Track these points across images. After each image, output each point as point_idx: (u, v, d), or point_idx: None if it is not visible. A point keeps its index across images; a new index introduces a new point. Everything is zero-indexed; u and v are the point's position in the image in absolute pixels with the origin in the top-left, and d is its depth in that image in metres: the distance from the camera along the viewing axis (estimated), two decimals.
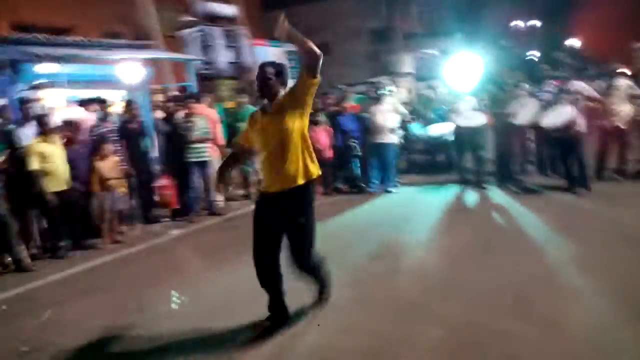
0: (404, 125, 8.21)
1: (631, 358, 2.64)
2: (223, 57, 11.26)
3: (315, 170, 3.10)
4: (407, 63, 16.26)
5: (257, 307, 3.35)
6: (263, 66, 3.09)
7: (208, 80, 10.67)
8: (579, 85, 6.81)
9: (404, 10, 22.17)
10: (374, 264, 4.51)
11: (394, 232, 5.50)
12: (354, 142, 7.68)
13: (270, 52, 13.79)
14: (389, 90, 7.85)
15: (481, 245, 4.80)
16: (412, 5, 21.24)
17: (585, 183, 6.42)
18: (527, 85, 7.73)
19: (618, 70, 7.03)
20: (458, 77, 7.63)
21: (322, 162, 7.02)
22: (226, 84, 11.05)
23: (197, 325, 3.45)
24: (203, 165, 6.70)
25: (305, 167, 3.05)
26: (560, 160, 6.96)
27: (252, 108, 7.90)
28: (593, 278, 3.78)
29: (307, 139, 3.09)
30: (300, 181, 3.02)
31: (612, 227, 4.99)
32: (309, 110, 3.09)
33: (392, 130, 7.41)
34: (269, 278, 3.19)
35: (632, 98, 6.78)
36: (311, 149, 3.11)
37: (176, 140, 6.65)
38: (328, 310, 3.50)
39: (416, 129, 8.67)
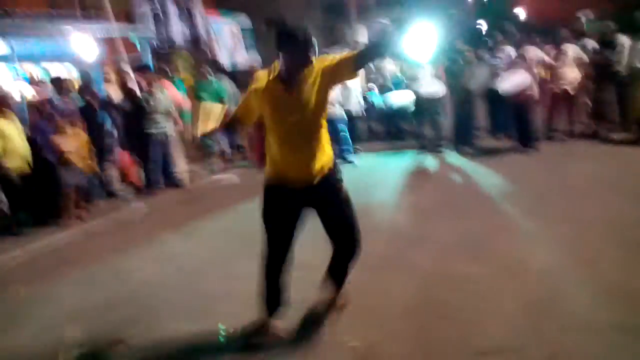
0: (363, 95, 8.35)
1: (579, 298, 2.91)
2: (176, 30, 10.96)
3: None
4: (361, 34, 16.34)
5: (231, 272, 3.44)
6: (300, 31, 2.38)
7: (162, 54, 10.39)
8: (533, 51, 7.11)
9: None
10: None
11: (361, 196, 5.65)
12: None
13: (225, 27, 13.56)
14: None
15: (443, 202, 5.10)
16: None
17: (534, 144, 6.81)
18: (480, 53, 8.00)
19: (565, 36, 7.38)
20: (414, 46, 7.80)
21: None
22: (181, 57, 10.80)
23: (174, 296, 3.52)
24: (164, 138, 6.64)
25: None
26: (512, 123, 7.33)
27: (219, 82, 7.88)
28: (546, 226, 4.10)
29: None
30: (331, 164, 2.65)
31: (561, 181, 5.38)
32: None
33: (335, 104, 7.30)
34: (281, 275, 2.75)
35: (579, 63, 7.15)
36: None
37: (136, 113, 6.55)
38: (304, 269, 3.63)
39: (375, 98, 8.84)
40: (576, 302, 2.84)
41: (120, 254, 4.50)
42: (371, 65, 9.51)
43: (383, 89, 8.96)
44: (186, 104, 7.26)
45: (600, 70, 7.08)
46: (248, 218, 5.02)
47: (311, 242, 2.93)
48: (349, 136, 7.60)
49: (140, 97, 6.58)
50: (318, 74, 2.46)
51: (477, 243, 3.86)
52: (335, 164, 2.67)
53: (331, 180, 2.64)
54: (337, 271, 2.90)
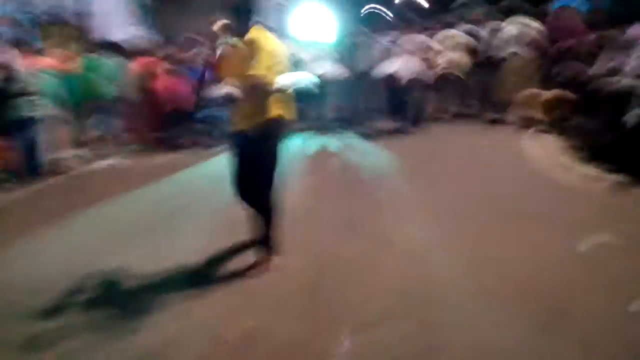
0: None
1: (455, 268, 3.19)
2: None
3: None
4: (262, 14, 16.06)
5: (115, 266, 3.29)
6: None
7: (25, 27, 9.31)
8: (419, 36, 7.47)
9: None
10: (231, 210, 4.64)
11: None
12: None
13: None
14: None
15: (337, 182, 5.32)
16: None
17: (418, 123, 7.25)
18: (374, 36, 8.24)
19: (449, 21, 7.84)
20: (309, 27, 7.85)
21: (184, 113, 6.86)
22: (59, 29, 9.80)
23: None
24: (38, 119, 6.05)
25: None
26: (399, 104, 7.73)
27: (100, 59, 7.28)
28: (430, 201, 4.44)
29: None
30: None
31: (444, 157, 5.87)
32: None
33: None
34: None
35: (466, 48, 7.65)
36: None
37: (3, 93, 5.87)
38: (188, 256, 3.60)
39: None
40: (452, 273, 3.11)
41: None
42: None
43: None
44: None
45: (482, 55, 7.66)
46: (135, 206, 4.87)
47: None
48: None
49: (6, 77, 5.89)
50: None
51: (364, 221, 4.06)
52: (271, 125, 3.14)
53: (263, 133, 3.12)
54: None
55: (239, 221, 3.52)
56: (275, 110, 3.09)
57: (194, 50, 7.66)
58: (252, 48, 2.93)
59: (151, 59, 7.51)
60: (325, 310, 2.80)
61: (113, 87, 7.07)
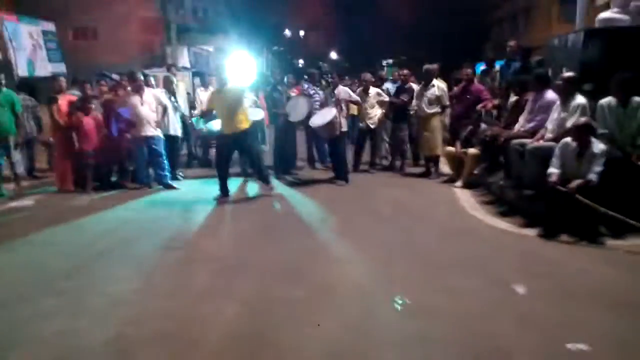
0: (183, 119, 8.13)
1: (388, 314, 3.25)
2: None
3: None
4: (183, 57, 16.03)
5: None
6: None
7: None
8: (344, 90, 7.80)
9: (178, 1, 21.65)
10: (162, 255, 4.46)
11: (180, 224, 5.51)
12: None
13: (23, 29, 12.00)
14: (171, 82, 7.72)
15: (264, 228, 5.25)
16: None
17: (345, 175, 7.46)
18: (304, 86, 8.49)
19: (368, 79, 8.33)
20: (235, 75, 7.91)
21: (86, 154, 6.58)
22: None
23: None
24: None
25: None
26: (327, 154, 7.96)
27: (11, 92, 6.86)
28: (357, 249, 4.52)
29: None
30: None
31: (369, 207, 6.03)
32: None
33: (158, 123, 7.13)
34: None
35: (380, 102, 8.13)
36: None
37: None
38: (116, 304, 3.37)
39: (199, 123, 8.67)
40: (383, 319, 3.16)
41: None
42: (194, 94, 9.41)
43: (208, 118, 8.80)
44: None
45: (396, 112, 8.17)
46: (47, 250, 4.50)
47: None
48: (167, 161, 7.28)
49: None
50: None
51: (294, 267, 4.04)
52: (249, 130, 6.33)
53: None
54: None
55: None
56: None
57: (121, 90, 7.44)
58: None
59: (73, 97, 7.18)
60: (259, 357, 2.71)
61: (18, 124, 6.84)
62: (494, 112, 7.89)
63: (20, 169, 7.08)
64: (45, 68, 12.23)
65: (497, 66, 9.06)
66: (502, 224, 5.24)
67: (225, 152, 6.55)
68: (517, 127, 5.86)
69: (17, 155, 6.89)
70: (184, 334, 2.98)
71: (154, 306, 3.38)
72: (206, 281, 3.79)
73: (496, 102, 7.44)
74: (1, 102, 6.59)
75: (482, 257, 4.27)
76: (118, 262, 4.25)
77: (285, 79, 10.23)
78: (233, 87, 6.44)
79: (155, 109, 7.06)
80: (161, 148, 7.10)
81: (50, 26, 13.35)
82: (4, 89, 6.73)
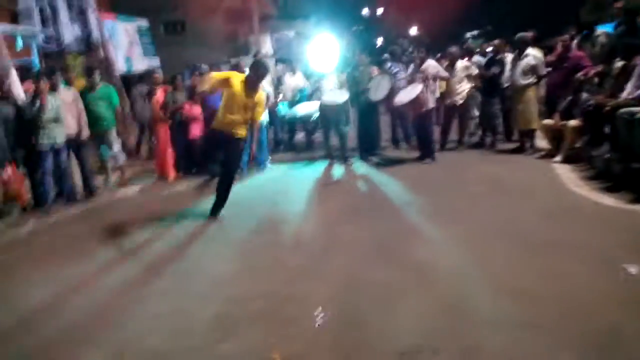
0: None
1: (482, 297, 3.14)
2: (68, 31, 10.12)
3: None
4: (266, 44, 16.35)
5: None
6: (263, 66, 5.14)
7: (52, 57, 9.54)
8: (433, 65, 7.55)
9: None
10: (257, 238, 4.63)
11: (271, 207, 5.67)
12: None
13: (120, 27, 12.83)
14: None
15: (351, 210, 5.25)
16: None
17: (432, 154, 7.26)
18: (385, 65, 8.32)
19: (455, 53, 7.98)
20: (319, 58, 7.96)
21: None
22: (73, 60, 10.00)
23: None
24: (57, 149, 6.08)
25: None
26: (413, 133, 7.77)
27: (109, 87, 7.35)
28: (448, 229, 4.38)
29: None
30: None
31: (461, 185, 5.82)
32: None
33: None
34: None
35: (468, 76, 7.77)
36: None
37: (21, 121, 5.91)
38: (218, 282, 3.57)
39: (283, 109, 8.86)
40: (480, 301, 3.05)
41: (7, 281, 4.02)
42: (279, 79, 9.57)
43: (293, 103, 8.97)
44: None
45: (487, 85, 7.77)
46: (154, 239, 4.81)
47: None
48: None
49: (23, 103, 5.95)
50: (257, 98, 5.09)
51: (386, 248, 4.02)
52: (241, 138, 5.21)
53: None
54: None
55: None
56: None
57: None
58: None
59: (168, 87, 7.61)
60: (357, 340, 2.74)
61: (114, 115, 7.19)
62: (596, 79, 7.23)
63: (121, 160, 7.44)
64: (141, 63, 13.04)
65: (598, 30, 8.27)
66: (609, 200, 4.82)
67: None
68: (624, 94, 5.34)
69: (116, 146, 7.26)
70: (281, 313, 3.09)
71: (253, 287, 3.53)
72: (299, 262, 3.89)
73: (599, 68, 6.81)
74: (101, 97, 6.93)
75: (588, 236, 3.95)
76: (218, 244, 4.48)
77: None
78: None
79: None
80: (264, 134, 7.46)
81: (144, 22, 14.17)
82: (102, 84, 7.12)
